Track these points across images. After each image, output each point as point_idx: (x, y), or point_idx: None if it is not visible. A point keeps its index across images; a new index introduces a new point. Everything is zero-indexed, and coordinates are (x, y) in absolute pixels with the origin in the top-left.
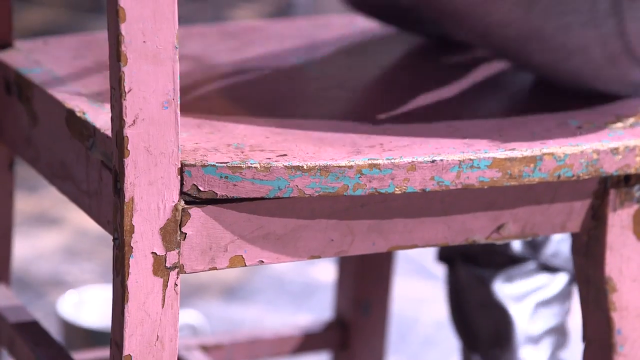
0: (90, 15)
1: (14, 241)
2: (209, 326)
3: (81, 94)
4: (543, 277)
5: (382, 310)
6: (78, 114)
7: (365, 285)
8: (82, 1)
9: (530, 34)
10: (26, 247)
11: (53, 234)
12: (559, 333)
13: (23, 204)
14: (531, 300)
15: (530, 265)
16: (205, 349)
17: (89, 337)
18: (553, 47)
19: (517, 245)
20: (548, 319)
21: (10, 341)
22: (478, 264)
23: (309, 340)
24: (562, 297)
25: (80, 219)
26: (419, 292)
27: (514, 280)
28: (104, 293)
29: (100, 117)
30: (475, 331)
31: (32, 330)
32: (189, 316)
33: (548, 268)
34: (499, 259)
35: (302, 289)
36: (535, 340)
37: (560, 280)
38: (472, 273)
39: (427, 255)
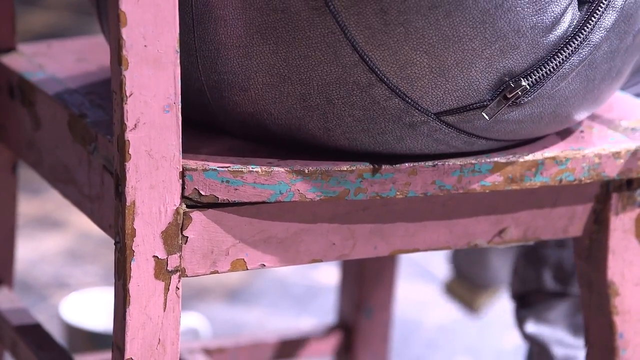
0: (93, 18)
1: (17, 244)
2: (212, 329)
3: (84, 97)
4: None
5: (385, 314)
6: (80, 118)
7: (367, 288)
8: (85, 4)
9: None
10: (29, 250)
11: (56, 236)
12: None
13: (26, 206)
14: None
15: (565, 303)
16: (208, 352)
17: (92, 340)
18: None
19: (548, 281)
20: None
21: (13, 344)
22: (521, 305)
23: (312, 344)
24: None
25: (83, 222)
26: (421, 295)
27: (551, 322)
28: (107, 296)
29: (102, 121)
30: None
31: (34, 333)
32: (191, 319)
33: None
34: (534, 297)
35: (304, 292)
36: None
37: None
38: (515, 315)
39: (430, 259)
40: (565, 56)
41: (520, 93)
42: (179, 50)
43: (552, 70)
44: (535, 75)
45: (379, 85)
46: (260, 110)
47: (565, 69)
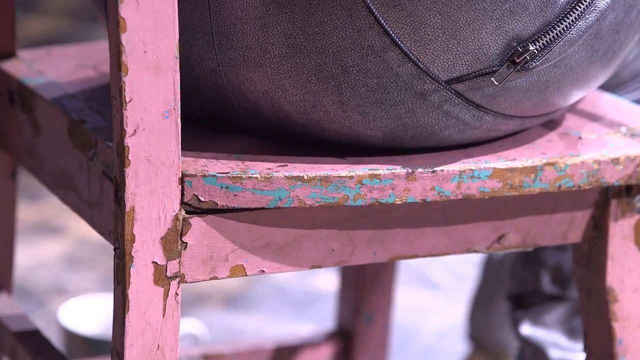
0: (92, 24)
1: (16, 250)
2: (211, 335)
3: (83, 103)
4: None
5: (384, 320)
6: (80, 124)
7: (366, 295)
8: (84, 10)
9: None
10: (28, 256)
11: (54, 242)
12: None
13: (25, 212)
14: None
15: (562, 306)
16: (206, 358)
17: (90, 346)
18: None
19: (546, 284)
20: None
21: (12, 350)
22: (517, 306)
23: (311, 350)
24: None
25: (82, 228)
26: (420, 301)
27: (547, 325)
28: (105, 302)
29: (101, 127)
30: None
31: (33, 339)
32: (190, 325)
33: None
34: (531, 299)
35: (303, 298)
36: None
37: None
38: (510, 315)
39: (429, 265)
40: (572, 20)
41: (528, 57)
42: (178, 56)
43: (559, 34)
44: (542, 40)
45: (393, 49)
46: (275, 86)
47: (572, 34)
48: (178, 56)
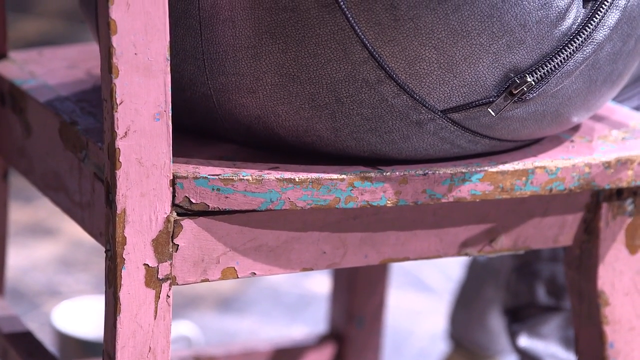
0: (85, 26)
1: (8, 251)
2: (204, 338)
3: (75, 105)
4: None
5: (377, 323)
6: (71, 126)
7: (359, 297)
8: (78, 12)
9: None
10: (21, 258)
11: (48, 244)
12: None
13: (18, 214)
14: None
15: (558, 317)
16: None
17: (84, 348)
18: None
19: (541, 296)
20: None
21: (3, 352)
22: (514, 319)
23: (304, 353)
24: None
25: (75, 230)
26: (414, 304)
27: (544, 336)
28: (99, 304)
29: (93, 129)
30: None
31: (26, 341)
32: (183, 327)
33: None
34: (527, 312)
35: (297, 301)
36: None
37: None
38: (507, 329)
39: (423, 268)
40: (570, 53)
41: (525, 89)
42: (169, 58)
43: (556, 66)
44: (540, 72)
45: (388, 82)
46: (268, 112)
47: (569, 66)
48: (169, 58)
